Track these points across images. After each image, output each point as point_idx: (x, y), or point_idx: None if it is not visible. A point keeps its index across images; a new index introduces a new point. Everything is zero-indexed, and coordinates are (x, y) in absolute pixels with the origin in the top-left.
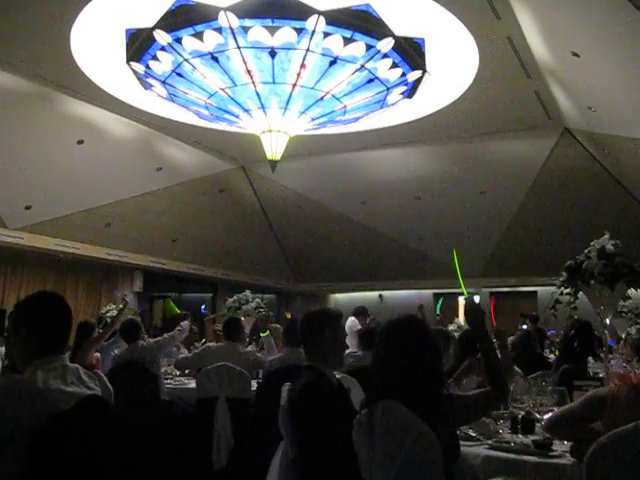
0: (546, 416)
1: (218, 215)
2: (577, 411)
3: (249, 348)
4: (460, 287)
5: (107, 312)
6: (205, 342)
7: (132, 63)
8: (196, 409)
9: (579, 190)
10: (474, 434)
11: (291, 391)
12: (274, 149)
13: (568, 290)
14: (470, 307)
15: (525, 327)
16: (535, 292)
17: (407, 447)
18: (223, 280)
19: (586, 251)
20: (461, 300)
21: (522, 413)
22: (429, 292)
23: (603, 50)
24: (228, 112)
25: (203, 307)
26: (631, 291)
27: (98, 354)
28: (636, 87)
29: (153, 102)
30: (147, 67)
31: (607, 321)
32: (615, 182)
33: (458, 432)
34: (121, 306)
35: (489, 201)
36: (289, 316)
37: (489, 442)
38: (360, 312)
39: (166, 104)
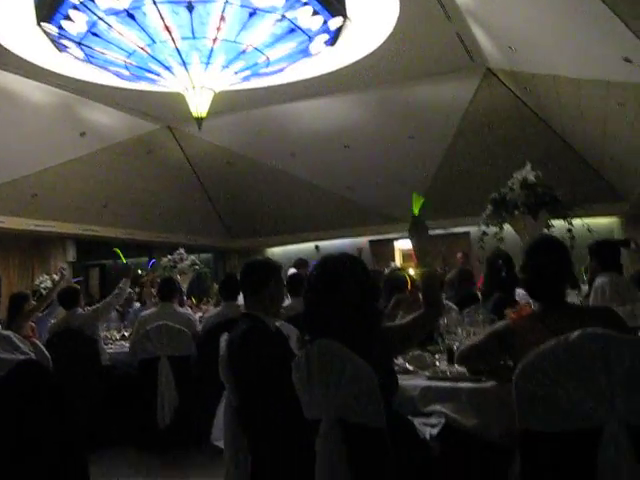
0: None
1: (148, 177)
2: (481, 345)
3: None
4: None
5: (41, 283)
6: (144, 302)
7: (43, 24)
8: (138, 371)
9: (504, 129)
10: (411, 367)
11: (229, 340)
12: (199, 106)
13: (494, 223)
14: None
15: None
16: (468, 232)
17: (344, 383)
18: (159, 243)
19: (509, 183)
20: (397, 244)
21: (457, 344)
22: (364, 239)
23: None
24: (149, 71)
25: (152, 262)
26: (556, 222)
27: (34, 325)
28: (554, 25)
29: (70, 65)
30: (60, 28)
31: None
32: (538, 119)
33: (396, 367)
34: (57, 278)
35: (418, 145)
36: None
37: (426, 373)
38: (300, 264)
39: (84, 66)
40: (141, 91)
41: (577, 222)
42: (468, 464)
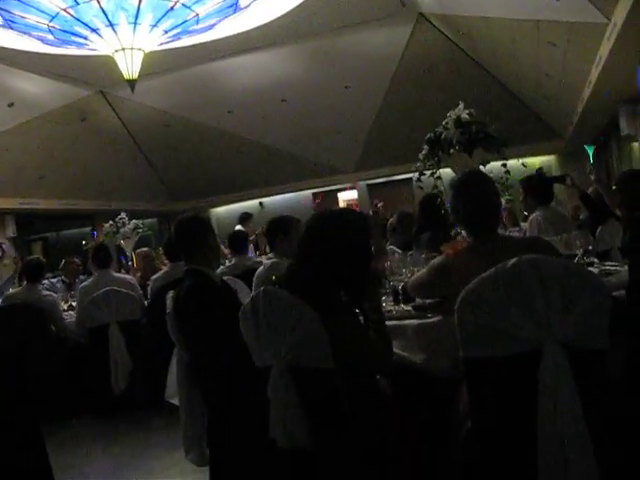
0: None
1: (84, 145)
2: (425, 279)
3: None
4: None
5: None
6: (90, 273)
7: None
8: (89, 338)
9: (440, 73)
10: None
11: (175, 295)
12: (130, 68)
13: (430, 163)
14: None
15: None
16: (410, 179)
17: (291, 328)
18: (101, 211)
19: (444, 122)
20: (340, 195)
21: (401, 285)
22: (308, 193)
23: None
24: (75, 34)
25: (94, 234)
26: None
27: None
28: None
29: None
30: None
31: None
32: (473, 62)
33: None
34: None
35: (355, 95)
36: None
37: None
38: (245, 218)
39: (4, 32)
40: (69, 56)
41: (513, 162)
42: (418, 399)
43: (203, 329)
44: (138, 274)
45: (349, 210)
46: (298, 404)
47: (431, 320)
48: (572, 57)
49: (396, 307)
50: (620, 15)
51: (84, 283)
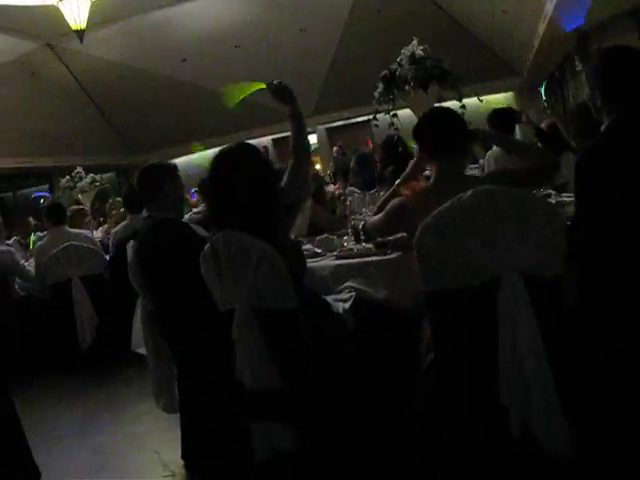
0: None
1: (35, 101)
2: (382, 222)
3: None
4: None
5: None
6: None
7: None
8: (52, 295)
9: (394, 12)
10: (320, 250)
11: (137, 240)
12: (77, 18)
13: (386, 100)
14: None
15: None
16: (368, 121)
17: (253, 270)
18: (58, 168)
19: (398, 59)
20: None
21: (361, 223)
22: (267, 139)
23: None
24: None
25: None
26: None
27: None
28: None
29: None
30: None
31: None
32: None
33: (305, 252)
34: None
35: (310, 38)
36: None
37: (335, 254)
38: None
39: None
40: (12, 6)
41: (469, 100)
42: (381, 334)
43: (165, 275)
44: (103, 227)
45: (239, 145)
46: (263, 345)
47: (392, 256)
48: None
49: (357, 246)
50: None
51: (39, 242)
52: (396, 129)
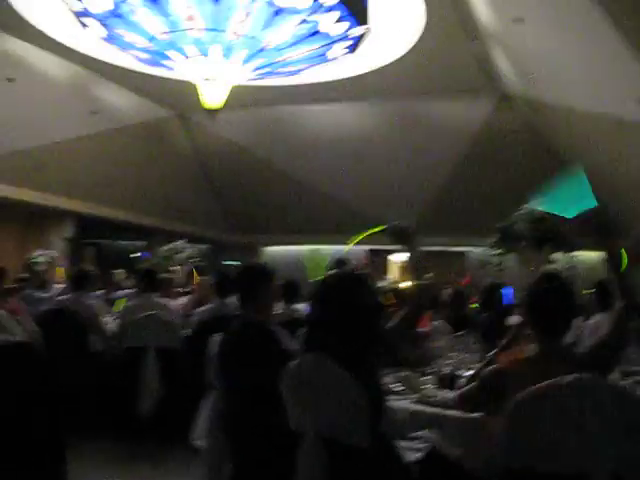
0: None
1: (154, 163)
2: (476, 393)
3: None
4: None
5: (34, 258)
6: None
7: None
8: (125, 358)
9: (513, 155)
10: (400, 389)
11: (224, 339)
12: (215, 98)
13: (499, 251)
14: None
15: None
16: (463, 252)
17: (332, 399)
18: (158, 229)
19: (517, 214)
20: (391, 257)
21: (448, 369)
22: (361, 248)
23: (547, 17)
24: (167, 58)
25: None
26: (557, 255)
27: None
28: (575, 59)
29: (90, 43)
30: (84, 5)
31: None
32: (548, 149)
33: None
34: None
35: (427, 161)
36: None
37: (414, 396)
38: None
39: (103, 45)
40: (157, 77)
41: (576, 258)
42: None
43: (246, 379)
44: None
45: (354, 275)
46: (326, 476)
47: (474, 415)
48: None
49: (440, 392)
50: None
51: (128, 303)
52: (498, 285)
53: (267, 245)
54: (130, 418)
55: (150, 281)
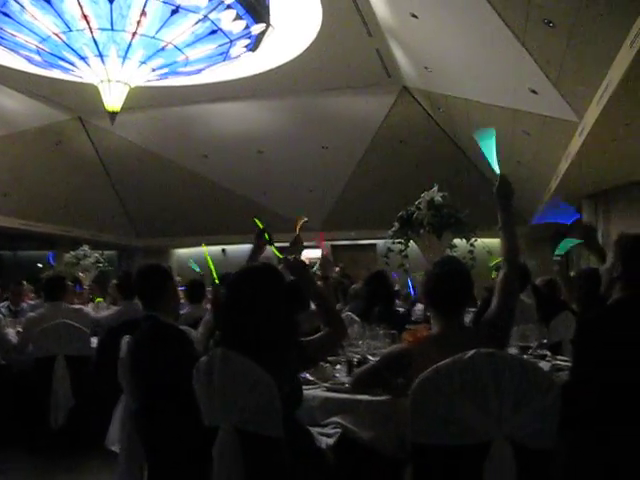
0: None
1: (54, 168)
2: (377, 369)
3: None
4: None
5: None
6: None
7: None
8: (34, 369)
9: (415, 146)
10: (312, 378)
11: (133, 341)
12: (113, 100)
13: (400, 239)
14: (293, 264)
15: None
16: (374, 244)
17: (244, 392)
18: (61, 236)
19: (417, 202)
20: (304, 252)
21: (357, 357)
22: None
23: (440, 13)
24: (63, 59)
25: (51, 255)
26: (458, 241)
27: None
28: (470, 52)
29: None
30: None
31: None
32: (449, 139)
33: None
34: None
35: (331, 156)
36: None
37: (326, 385)
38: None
39: None
40: (53, 79)
41: (477, 243)
42: (362, 475)
43: (158, 379)
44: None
45: (265, 266)
46: (242, 468)
47: (383, 398)
48: (543, 148)
49: (349, 379)
50: (591, 117)
51: (32, 314)
52: (405, 270)
53: (175, 247)
54: (43, 430)
55: (57, 289)
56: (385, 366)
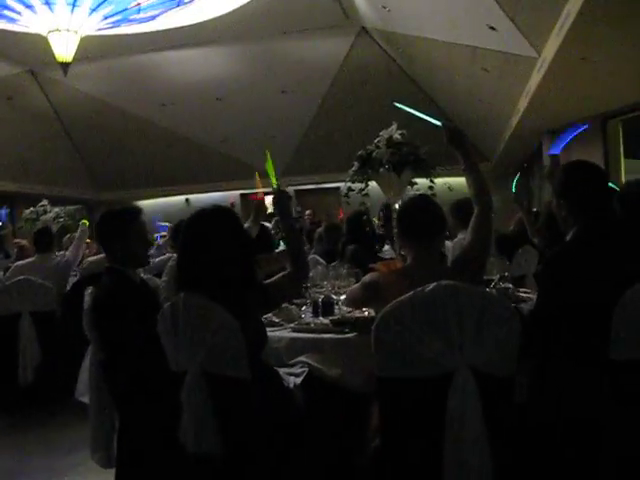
0: (342, 297)
1: (8, 124)
2: (358, 294)
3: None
4: (272, 179)
5: None
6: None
7: None
8: None
9: (376, 87)
10: (278, 320)
11: (95, 294)
12: (64, 50)
13: (359, 179)
14: (278, 195)
15: None
16: (338, 188)
17: (209, 335)
18: (20, 194)
19: (376, 141)
20: (268, 198)
21: (322, 297)
22: (236, 193)
23: None
24: (7, 7)
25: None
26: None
27: None
28: None
29: None
30: None
31: (396, 206)
32: (408, 79)
33: (263, 320)
34: None
35: (291, 100)
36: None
37: (292, 325)
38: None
39: None
40: (0, 30)
41: (439, 181)
42: (331, 412)
43: (120, 329)
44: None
45: (217, 207)
46: (211, 411)
47: (349, 336)
48: (503, 85)
49: (315, 320)
50: (550, 52)
51: (21, 262)
52: (366, 209)
53: (138, 199)
54: (13, 388)
55: (46, 240)
56: (363, 293)
